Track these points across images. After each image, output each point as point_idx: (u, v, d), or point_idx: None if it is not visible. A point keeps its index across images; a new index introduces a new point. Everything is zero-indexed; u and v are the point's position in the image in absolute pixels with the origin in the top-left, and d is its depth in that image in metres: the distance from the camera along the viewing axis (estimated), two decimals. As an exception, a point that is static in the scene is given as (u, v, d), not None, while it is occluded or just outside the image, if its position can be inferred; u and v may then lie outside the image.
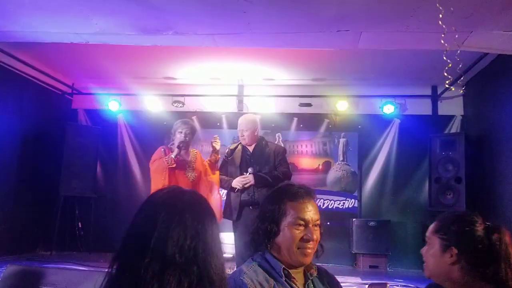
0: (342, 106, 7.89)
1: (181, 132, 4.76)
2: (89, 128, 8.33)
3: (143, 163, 7.82)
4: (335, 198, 7.90)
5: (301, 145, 7.90)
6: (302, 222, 1.90)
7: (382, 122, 8.02)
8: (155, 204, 1.21)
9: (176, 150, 4.65)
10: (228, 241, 5.59)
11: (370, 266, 6.97)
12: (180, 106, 8.21)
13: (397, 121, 7.95)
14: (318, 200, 7.59)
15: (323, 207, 7.75)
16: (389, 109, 7.77)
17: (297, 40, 5.24)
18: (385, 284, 2.64)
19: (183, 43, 5.58)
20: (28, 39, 5.58)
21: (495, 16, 4.38)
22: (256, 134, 4.87)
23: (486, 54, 6.02)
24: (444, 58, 3.86)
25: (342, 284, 2.18)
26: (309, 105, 8.01)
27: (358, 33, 4.92)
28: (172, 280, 1.08)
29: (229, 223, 4.85)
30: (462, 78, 5.90)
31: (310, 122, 8.22)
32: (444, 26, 3.72)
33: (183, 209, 1.18)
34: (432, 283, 1.94)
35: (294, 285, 1.88)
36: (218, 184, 5.01)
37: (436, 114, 7.89)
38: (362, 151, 8.13)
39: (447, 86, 4.77)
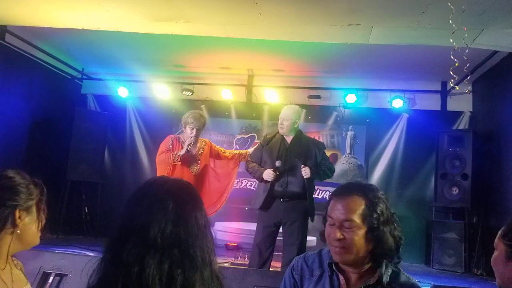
0: (351, 99, 7.87)
1: (192, 129, 4.70)
2: (98, 114, 8.35)
3: (151, 150, 7.86)
4: (341, 190, 7.89)
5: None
6: (331, 220, 1.85)
7: (390, 116, 8.00)
8: (139, 194, 1.26)
9: (183, 151, 4.61)
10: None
11: (374, 260, 6.96)
12: (190, 94, 8.22)
13: (405, 116, 7.93)
14: (323, 192, 7.63)
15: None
16: (398, 103, 7.74)
17: (307, 32, 5.24)
18: None
19: (194, 32, 5.57)
20: (39, 24, 5.60)
21: (506, 14, 4.36)
22: (296, 126, 4.72)
23: (496, 52, 5.99)
24: (452, 57, 3.84)
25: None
26: (318, 97, 8.01)
27: (369, 27, 4.90)
28: (151, 263, 1.10)
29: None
30: (469, 77, 5.88)
31: (318, 114, 8.22)
32: (454, 25, 3.70)
33: (164, 196, 1.21)
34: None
35: (340, 282, 1.87)
36: (233, 174, 5.03)
37: (445, 110, 7.87)
38: (370, 145, 8.13)
39: (451, 85, 4.74)
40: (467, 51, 4.03)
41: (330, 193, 1.97)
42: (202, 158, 4.81)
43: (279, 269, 4.77)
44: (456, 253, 6.67)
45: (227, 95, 8.15)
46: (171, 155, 4.61)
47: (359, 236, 1.77)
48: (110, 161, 8.47)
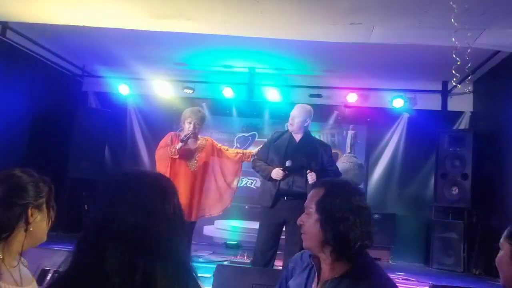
0: (351, 98, 7.87)
1: (190, 123, 4.68)
2: (99, 111, 8.34)
3: (152, 147, 7.83)
4: (341, 189, 7.89)
5: (314, 136, 7.88)
6: None
7: (391, 116, 8.00)
8: (103, 188, 1.28)
9: (180, 144, 4.59)
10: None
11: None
12: (191, 92, 8.22)
13: (406, 115, 7.93)
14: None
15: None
16: (398, 103, 7.74)
17: (309, 31, 5.24)
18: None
19: (195, 29, 5.57)
20: (40, 20, 5.60)
21: (508, 14, 4.36)
22: (306, 125, 4.68)
23: (498, 51, 5.98)
24: (454, 56, 3.84)
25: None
26: (319, 96, 8.01)
27: (370, 26, 4.90)
28: (112, 255, 1.12)
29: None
30: (470, 77, 5.87)
31: (319, 113, 8.11)
32: (456, 24, 3.70)
33: (125, 188, 1.22)
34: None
35: (316, 275, 1.91)
36: (237, 172, 5.02)
37: (446, 110, 7.86)
38: (370, 144, 8.13)
39: (454, 84, 4.73)
40: (469, 50, 4.03)
41: None
42: (201, 155, 4.75)
43: (280, 268, 4.77)
44: (455, 253, 6.68)
45: (228, 93, 8.14)
46: (168, 149, 4.58)
47: (311, 222, 1.88)
48: (111, 159, 8.45)
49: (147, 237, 1.16)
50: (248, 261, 5.40)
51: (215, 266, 3.67)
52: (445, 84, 7.85)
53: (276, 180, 4.44)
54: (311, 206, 1.90)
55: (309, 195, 1.96)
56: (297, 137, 4.64)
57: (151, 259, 1.14)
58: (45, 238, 1.87)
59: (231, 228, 7.88)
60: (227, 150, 4.99)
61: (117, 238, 1.14)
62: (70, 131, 7.63)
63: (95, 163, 7.80)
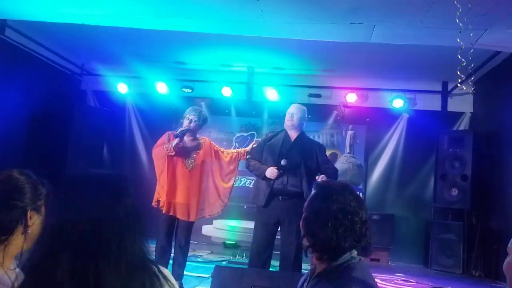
0: (351, 98, 7.85)
1: (188, 119, 4.66)
2: (97, 110, 8.33)
3: (150, 146, 7.71)
4: (340, 190, 7.87)
5: (308, 136, 7.84)
6: None
7: (390, 116, 7.98)
8: (55, 193, 1.32)
9: (176, 140, 4.53)
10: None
11: (372, 259, 6.95)
12: (189, 92, 8.20)
13: (405, 116, 7.91)
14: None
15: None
16: (398, 103, 7.72)
17: (309, 30, 5.20)
18: None
19: (194, 28, 5.54)
20: (39, 18, 5.57)
21: (510, 14, 4.33)
22: (303, 123, 4.69)
23: (498, 52, 5.97)
24: (459, 57, 3.81)
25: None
26: (318, 95, 7.98)
27: (371, 26, 4.87)
28: (63, 260, 1.12)
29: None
30: (472, 78, 5.85)
31: (318, 113, 8.17)
32: (460, 24, 3.67)
33: (73, 194, 1.23)
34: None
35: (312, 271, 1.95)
36: (234, 171, 5.00)
37: (446, 111, 7.85)
38: (369, 144, 8.11)
39: (459, 85, 4.71)
40: (471, 51, 4.00)
41: None
42: (199, 154, 4.69)
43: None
44: (454, 254, 6.67)
45: (227, 92, 8.12)
46: (164, 146, 4.54)
47: (301, 220, 1.96)
48: (109, 157, 8.44)
49: (96, 242, 1.15)
50: (247, 261, 5.39)
51: (213, 266, 3.65)
52: (445, 84, 7.84)
53: (270, 179, 4.40)
54: (304, 205, 1.99)
55: None
56: (293, 136, 4.60)
57: (102, 263, 1.13)
58: None
59: (230, 228, 7.87)
60: (223, 152, 4.96)
61: (67, 245, 1.13)
62: (69, 129, 7.60)
63: (93, 162, 7.75)
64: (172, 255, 4.63)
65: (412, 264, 7.26)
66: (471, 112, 7.68)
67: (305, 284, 1.94)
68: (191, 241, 4.81)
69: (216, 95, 8.28)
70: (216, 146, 4.97)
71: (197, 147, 4.71)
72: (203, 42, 6.86)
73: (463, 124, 7.71)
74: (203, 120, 4.76)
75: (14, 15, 5.72)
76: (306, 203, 1.95)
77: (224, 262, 6.28)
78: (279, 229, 4.49)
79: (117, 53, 7.62)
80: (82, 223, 1.15)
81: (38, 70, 7.52)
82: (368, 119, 8.08)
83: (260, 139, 4.95)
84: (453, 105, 7.84)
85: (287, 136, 4.60)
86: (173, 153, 4.50)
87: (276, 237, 4.51)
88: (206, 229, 7.91)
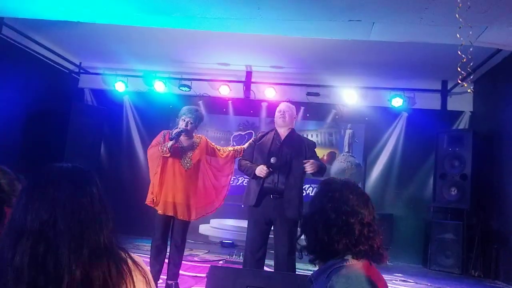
0: (350, 97, 7.81)
1: (184, 120, 4.58)
2: (95, 108, 8.31)
3: (147, 145, 7.69)
4: (338, 189, 7.84)
5: (307, 135, 7.79)
6: None
7: (389, 115, 7.94)
8: (23, 187, 1.34)
9: (170, 142, 4.47)
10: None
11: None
12: (187, 90, 8.17)
13: (405, 115, 7.87)
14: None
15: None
16: (397, 102, 7.67)
17: (307, 28, 5.15)
18: None
19: (191, 26, 5.50)
20: (34, 15, 5.54)
21: (511, 12, 4.28)
22: (293, 121, 4.66)
23: (498, 51, 5.92)
24: (459, 53, 3.76)
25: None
26: (317, 94, 7.93)
27: (370, 23, 4.82)
28: (23, 249, 1.16)
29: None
30: (471, 76, 5.81)
31: (317, 111, 8.15)
32: (460, 20, 3.62)
33: (37, 187, 1.26)
34: None
35: None
36: (230, 170, 4.95)
37: (445, 110, 7.81)
38: (368, 143, 8.07)
39: (459, 82, 4.66)
40: (471, 49, 3.95)
41: None
42: (195, 153, 4.62)
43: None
44: (454, 254, 6.63)
45: (225, 91, 8.10)
46: (159, 147, 4.48)
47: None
48: (107, 156, 8.43)
49: (56, 229, 1.19)
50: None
51: (210, 266, 3.60)
52: (444, 83, 7.80)
53: (260, 178, 4.36)
54: None
55: None
56: (283, 134, 4.55)
57: (62, 249, 1.17)
58: None
59: (227, 227, 7.83)
60: (219, 150, 4.90)
61: (29, 232, 1.18)
62: (66, 128, 7.56)
63: (90, 160, 7.73)
64: (168, 254, 4.59)
65: (411, 264, 7.22)
66: (470, 111, 7.64)
67: None
68: (188, 240, 4.76)
69: (213, 93, 8.27)
70: (213, 144, 4.90)
71: (193, 146, 4.64)
72: (200, 40, 6.81)
73: (462, 123, 7.66)
74: (199, 120, 4.72)
75: (9, 12, 5.67)
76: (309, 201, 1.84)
77: (221, 262, 6.23)
78: (272, 228, 4.44)
79: (115, 51, 7.62)
80: (43, 212, 1.20)
81: (35, 69, 7.48)
82: (367, 118, 8.03)
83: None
84: (453, 104, 7.80)
85: (277, 134, 4.56)
86: (168, 155, 4.45)
87: (270, 236, 4.46)
88: (203, 228, 7.88)
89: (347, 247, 1.64)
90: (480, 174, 6.79)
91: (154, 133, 4.94)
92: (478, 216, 6.70)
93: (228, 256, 6.47)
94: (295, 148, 4.46)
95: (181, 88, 8.17)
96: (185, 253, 4.80)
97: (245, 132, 8.26)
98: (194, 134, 4.72)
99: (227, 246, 7.44)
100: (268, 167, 4.31)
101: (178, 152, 4.51)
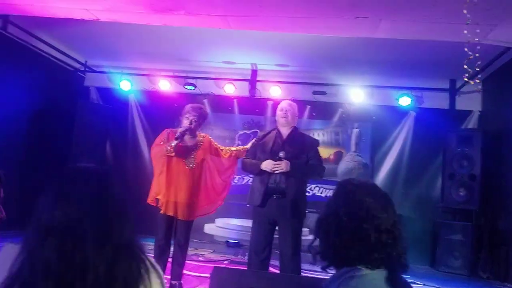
0: (357, 95, 7.73)
1: (188, 119, 4.54)
2: (100, 107, 8.30)
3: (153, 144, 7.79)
4: (345, 189, 7.78)
5: (313, 134, 7.73)
6: None
7: (397, 114, 7.85)
8: (47, 189, 1.33)
9: (175, 141, 4.42)
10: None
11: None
12: (192, 89, 8.14)
13: (412, 114, 7.78)
14: (328, 190, 7.52)
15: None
16: (405, 101, 7.59)
17: (312, 25, 5.09)
18: None
19: (194, 24, 5.46)
20: (38, 13, 5.52)
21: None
22: (295, 119, 4.60)
23: (507, 49, 5.83)
24: (466, 49, 3.68)
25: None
26: (323, 93, 7.86)
27: (377, 20, 4.75)
28: (49, 247, 1.18)
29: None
30: (480, 75, 5.72)
31: (323, 110, 8.08)
32: (468, 16, 3.54)
33: (68, 183, 1.31)
34: None
35: None
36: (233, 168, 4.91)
37: (454, 109, 7.72)
38: (375, 143, 8.00)
39: (466, 80, 4.58)
40: (479, 47, 3.87)
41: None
42: (199, 152, 4.59)
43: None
44: (462, 256, 6.54)
45: (230, 89, 8.06)
46: (164, 147, 4.44)
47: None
48: (112, 154, 8.40)
49: (83, 227, 1.21)
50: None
51: (214, 266, 3.56)
52: (453, 82, 7.72)
53: (264, 178, 4.31)
54: None
55: None
56: (285, 133, 4.50)
57: (88, 246, 1.19)
58: None
59: (232, 227, 7.78)
60: (222, 150, 4.85)
61: (56, 230, 1.20)
62: (72, 126, 7.55)
63: (96, 159, 7.73)
64: (172, 254, 4.55)
65: (419, 265, 7.11)
66: (479, 111, 7.54)
67: None
68: (193, 240, 4.72)
69: (219, 92, 8.24)
70: (216, 143, 4.86)
71: (197, 146, 4.61)
72: (206, 39, 6.78)
73: (471, 123, 7.56)
74: (203, 118, 4.67)
75: (14, 10, 5.65)
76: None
77: (226, 262, 6.18)
78: (276, 228, 4.39)
79: (121, 50, 7.63)
80: (70, 210, 1.23)
81: (41, 67, 7.48)
82: (374, 117, 7.95)
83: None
84: (461, 103, 7.71)
85: (278, 133, 4.50)
86: (173, 154, 4.41)
87: (275, 236, 4.40)
88: (209, 228, 7.84)
89: (360, 255, 1.51)
90: (489, 175, 6.69)
91: (159, 131, 4.90)
92: (487, 217, 6.62)
93: (233, 257, 6.42)
94: (296, 147, 4.40)
95: (186, 86, 8.15)
96: (190, 252, 4.77)
97: (251, 131, 8.21)
98: (198, 133, 4.68)
99: (233, 245, 7.40)
100: (275, 161, 4.26)
101: (182, 152, 4.47)
